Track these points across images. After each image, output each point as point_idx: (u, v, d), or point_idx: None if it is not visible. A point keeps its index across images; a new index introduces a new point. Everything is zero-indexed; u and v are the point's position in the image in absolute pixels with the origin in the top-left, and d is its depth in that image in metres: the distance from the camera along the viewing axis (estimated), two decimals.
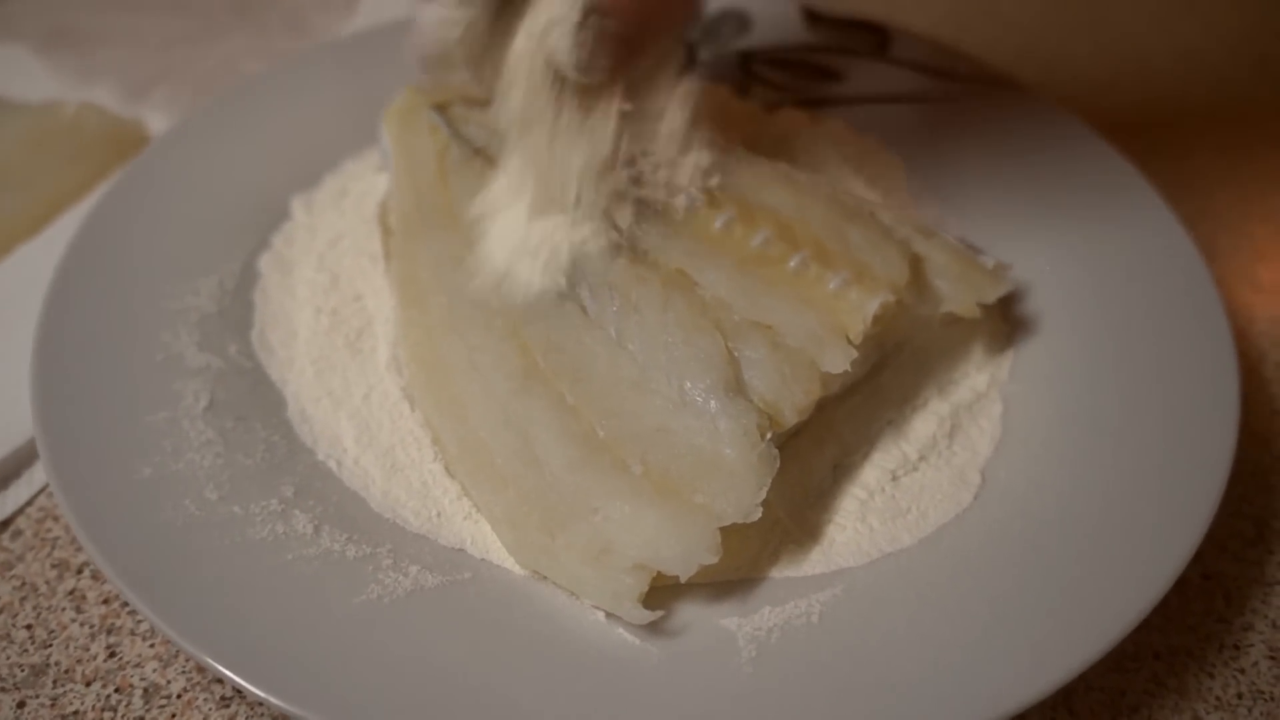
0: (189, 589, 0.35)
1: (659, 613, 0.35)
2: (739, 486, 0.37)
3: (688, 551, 0.35)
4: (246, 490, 0.39)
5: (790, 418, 0.39)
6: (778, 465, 0.38)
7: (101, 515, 0.37)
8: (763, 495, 0.37)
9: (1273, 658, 0.40)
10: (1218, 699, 0.38)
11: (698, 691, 0.34)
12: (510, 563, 0.38)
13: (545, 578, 0.38)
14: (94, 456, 0.39)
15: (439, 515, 0.40)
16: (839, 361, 0.40)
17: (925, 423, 0.43)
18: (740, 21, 0.66)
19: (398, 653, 0.34)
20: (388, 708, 0.33)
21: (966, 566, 0.38)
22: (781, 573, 0.38)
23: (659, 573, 0.36)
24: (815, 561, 0.38)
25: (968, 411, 0.44)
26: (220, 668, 0.33)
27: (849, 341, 0.40)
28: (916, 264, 0.44)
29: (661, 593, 0.37)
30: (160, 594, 0.35)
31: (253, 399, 0.43)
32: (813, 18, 0.64)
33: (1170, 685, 0.39)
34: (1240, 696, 0.39)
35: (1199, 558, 0.41)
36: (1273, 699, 0.38)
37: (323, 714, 0.32)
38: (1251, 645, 0.40)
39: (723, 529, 0.36)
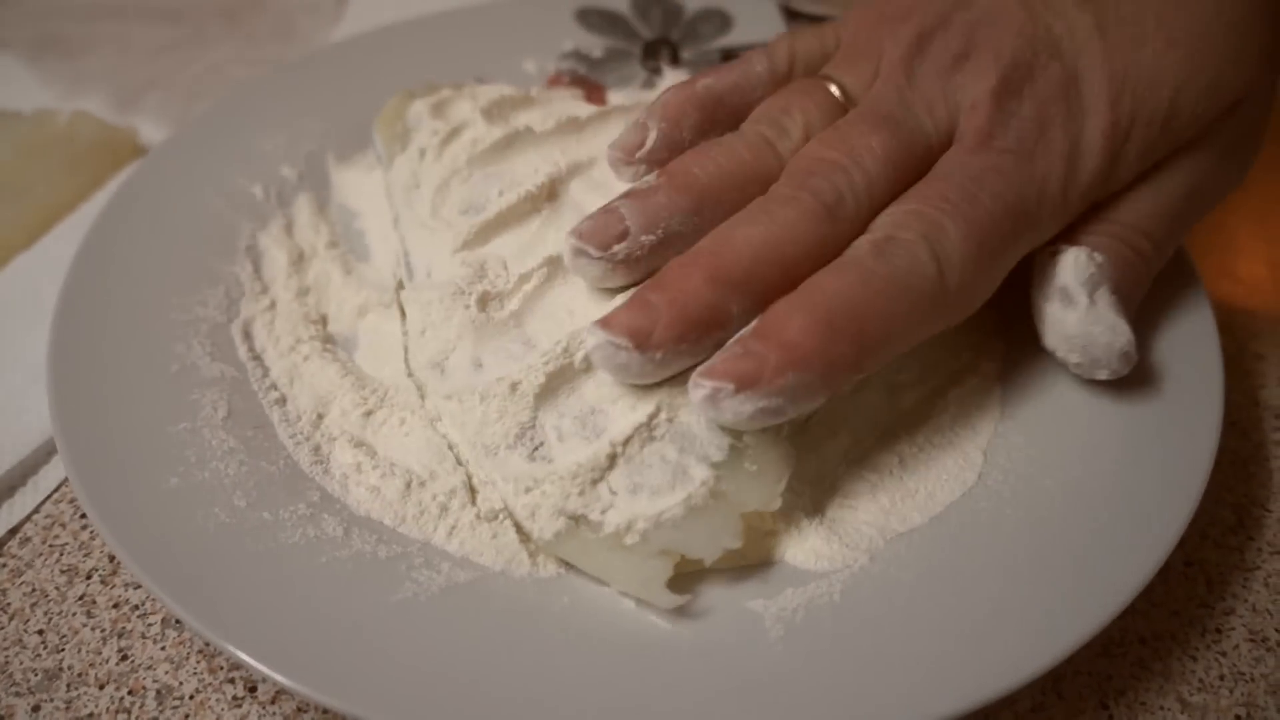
0: (228, 595, 0.36)
1: (686, 597, 0.37)
2: (760, 479, 0.38)
3: (712, 537, 0.37)
4: (274, 496, 0.40)
5: None
6: (795, 461, 0.39)
7: (133, 526, 0.38)
8: (782, 486, 0.38)
9: (1253, 640, 0.41)
10: (1200, 681, 0.40)
11: (732, 671, 0.35)
12: (540, 559, 0.39)
13: (572, 568, 0.39)
14: (120, 469, 0.40)
15: (453, 529, 0.40)
16: None
17: (928, 407, 0.44)
18: (722, 20, 0.67)
19: (437, 647, 0.35)
20: (434, 700, 0.34)
21: (972, 546, 0.39)
22: (801, 555, 0.39)
23: (683, 558, 0.37)
24: (833, 543, 0.39)
25: (967, 395, 0.45)
26: (271, 672, 0.34)
27: None
28: None
29: (687, 579, 0.38)
30: (200, 601, 0.35)
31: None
32: (793, 15, 0.65)
33: (1155, 669, 0.40)
34: (1222, 678, 0.40)
35: (1182, 545, 0.42)
36: (1253, 680, 0.40)
37: (372, 710, 0.33)
38: (1233, 629, 0.41)
39: (744, 515, 0.38)
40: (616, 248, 0.39)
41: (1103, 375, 0.42)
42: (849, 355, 0.36)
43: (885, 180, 0.40)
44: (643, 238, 0.39)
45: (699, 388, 0.35)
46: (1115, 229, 0.42)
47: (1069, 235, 0.43)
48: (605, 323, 0.37)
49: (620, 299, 0.40)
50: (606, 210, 0.40)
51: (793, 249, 0.38)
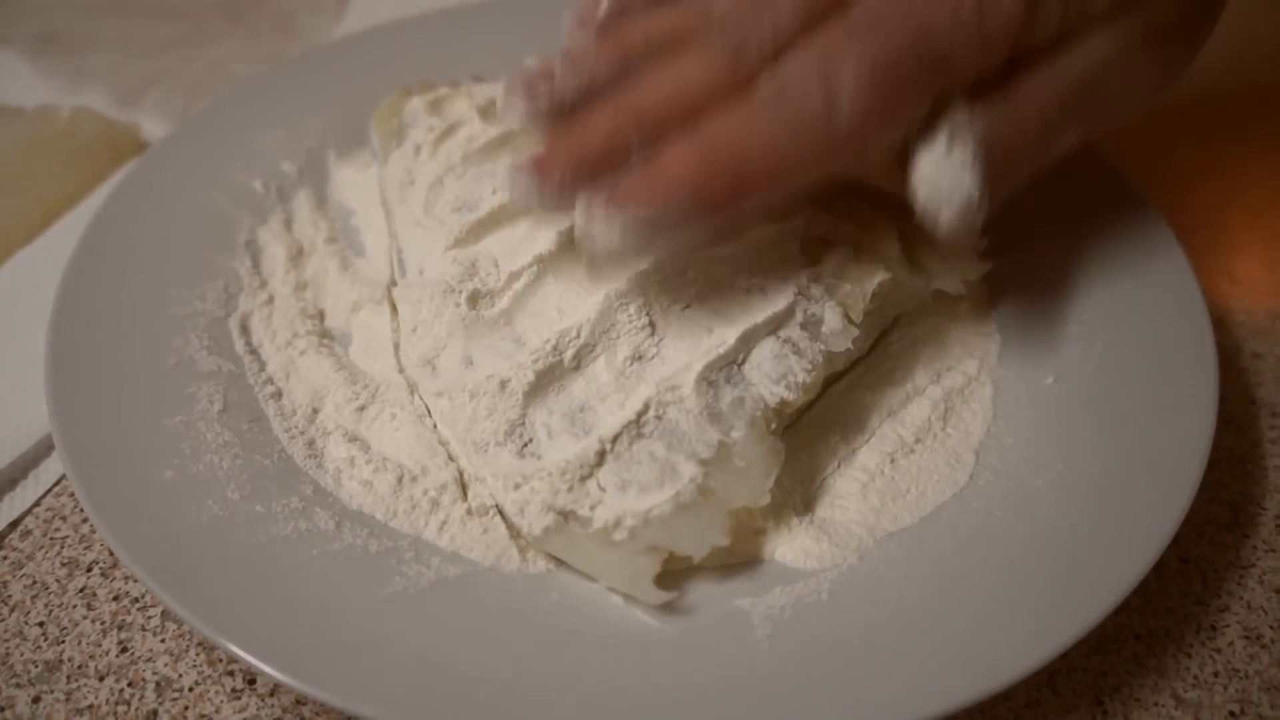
0: (219, 587, 0.36)
1: (673, 593, 0.37)
2: (748, 476, 0.38)
3: (700, 534, 0.37)
4: (267, 489, 0.40)
5: (799, 398, 0.41)
6: (783, 458, 0.39)
7: (127, 518, 0.38)
8: (770, 483, 0.38)
9: (1247, 638, 0.41)
10: (1195, 678, 0.40)
11: (718, 669, 0.35)
12: (529, 555, 0.39)
13: (561, 565, 0.39)
14: (115, 461, 0.40)
15: (444, 524, 0.40)
16: (843, 341, 0.42)
17: (920, 407, 0.45)
18: None
19: (426, 641, 0.36)
20: (422, 694, 0.34)
21: (963, 546, 0.39)
22: (790, 554, 0.39)
23: (672, 555, 0.37)
24: (822, 542, 0.40)
25: (959, 395, 0.45)
26: (259, 663, 0.34)
27: (850, 320, 0.42)
28: (905, 240, 0.46)
29: (675, 576, 0.38)
30: (191, 592, 0.36)
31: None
32: None
33: (1150, 665, 0.40)
34: (1216, 675, 0.40)
35: (1177, 542, 0.42)
36: (1247, 676, 0.40)
37: (359, 704, 0.33)
38: (1227, 626, 0.41)
39: (733, 512, 0.38)
40: (541, 89, 0.41)
41: (941, 223, 0.40)
42: (726, 183, 0.37)
43: (794, 21, 0.40)
44: (568, 82, 0.41)
45: (579, 200, 0.38)
46: (1006, 103, 0.41)
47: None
48: (516, 161, 0.39)
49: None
50: (542, 64, 0.42)
51: (695, 89, 0.39)
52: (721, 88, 0.40)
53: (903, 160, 0.41)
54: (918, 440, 0.43)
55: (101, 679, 0.39)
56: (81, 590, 0.42)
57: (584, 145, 0.39)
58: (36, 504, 0.45)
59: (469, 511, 0.40)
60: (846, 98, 0.38)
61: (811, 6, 0.40)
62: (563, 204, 0.39)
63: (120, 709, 0.38)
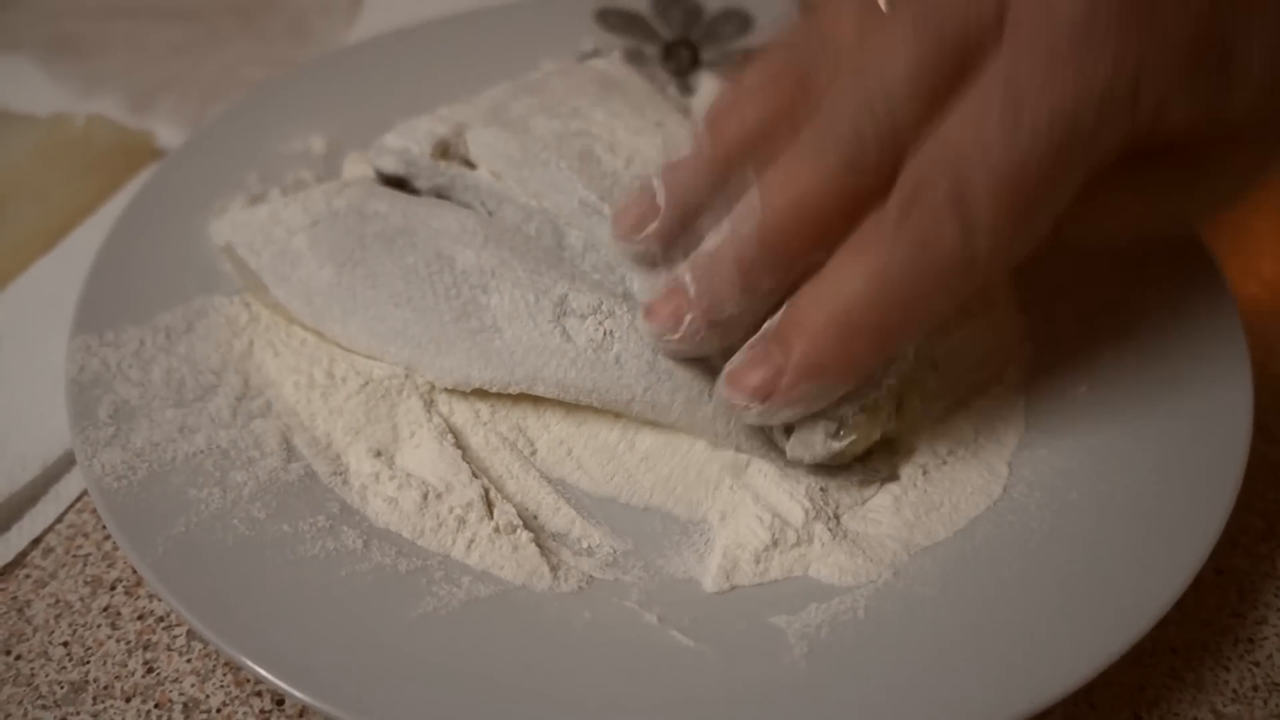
0: (246, 607, 0.36)
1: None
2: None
3: None
4: (294, 508, 0.40)
5: None
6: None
7: (152, 538, 0.37)
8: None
9: None
10: (1234, 691, 0.39)
11: (755, 688, 0.35)
12: (560, 572, 0.39)
13: (593, 581, 0.39)
14: (138, 479, 0.39)
15: (471, 542, 0.40)
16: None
17: (951, 419, 0.44)
18: (742, 21, 0.66)
19: (459, 662, 0.35)
20: (452, 716, 0.34)
21: (999, 560, 0.39)
22: (824, 569, 0.39)
23: None
24: (856, 557, 0.39)
25: (992, 406, 0.44)
26: (288, 687, 0.33)
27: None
28: None
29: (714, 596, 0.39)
30: (218, 614, 0.35)
31: None
32: None
33: (1187, 679, 0.40)
34: (1256, 689, 0.39)
35: (1212, 553, 0.42)
36: None
37: None
38: (1266, 638, 0.41)
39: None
40: (649, 229, 0.42)
41: None
42: (867, 351, 0.37)
43: (913, 101, 0.35)
44: (673, 214, 0.41)
45: (723, 390, 0.38)
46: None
47: None
48: (648, 312, 0.40)
49: None
50: (641, 191, 0.42)
51: (812, 204, 0.37)
52: (842, 201, 0.36)
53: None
54: (950, 452, 0.43)
55: (128, 700, 0.38)
56: (105, 609, 0.41)
57: (714, 304, 0.39)
58: (58, 521, 0.44)
59: (496, 529, 0.40)
60: (984, 225, 0.33)
61: (928, 79, 0.35)
62: (695, 352, 0.41)
63: None
